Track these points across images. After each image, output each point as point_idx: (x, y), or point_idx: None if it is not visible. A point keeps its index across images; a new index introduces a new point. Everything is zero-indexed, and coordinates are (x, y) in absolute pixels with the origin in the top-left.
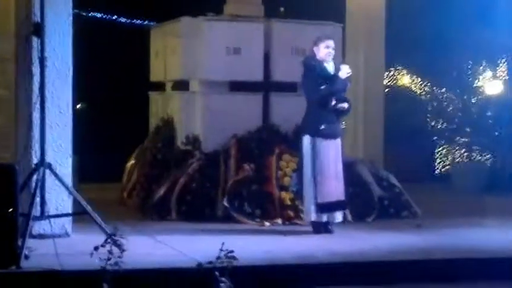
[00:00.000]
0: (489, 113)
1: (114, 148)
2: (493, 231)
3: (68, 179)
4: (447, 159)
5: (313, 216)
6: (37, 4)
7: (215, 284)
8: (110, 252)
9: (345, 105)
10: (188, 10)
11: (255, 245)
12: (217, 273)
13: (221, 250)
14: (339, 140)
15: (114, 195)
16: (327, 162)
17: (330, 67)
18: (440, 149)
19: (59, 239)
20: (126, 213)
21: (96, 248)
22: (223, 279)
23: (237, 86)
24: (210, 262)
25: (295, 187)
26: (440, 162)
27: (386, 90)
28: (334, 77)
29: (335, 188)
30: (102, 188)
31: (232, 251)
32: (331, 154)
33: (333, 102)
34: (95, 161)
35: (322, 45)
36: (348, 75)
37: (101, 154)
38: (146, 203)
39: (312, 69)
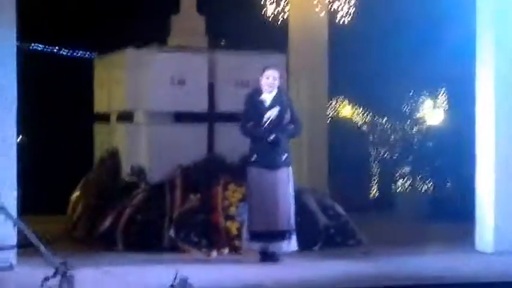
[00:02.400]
0: (430, 142)
1: (59, 180)
2: (435, 258)
3: (13, 211)
4: (390, 188)
5: (245, 244)
6: None
7: None
8: (61, 283)
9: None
10: (132, 41)
11: (202, 275)
12: None
13: (175, 278)
14: (280, 171)
15: (58, 228)
16: (260, 192)
17: (269, 98)
18: (383, 178)
19: (4, 272)
20: (72, 245)
21: (46, 279)
22: None
23: (181, 117)
24: None
25: (241, 217)
26: (383, 191)
27: (329, 120)
28: (261, 105)
29: (271, 218)
30: (47, 220)
31: (187, 278)
32: (265, 184)
33: (271, 138)
34: (39, 193)
35: (264, 76)
36: (271, 117)
37: (45, 186)
38: (92, 235)
39: (248, 100)
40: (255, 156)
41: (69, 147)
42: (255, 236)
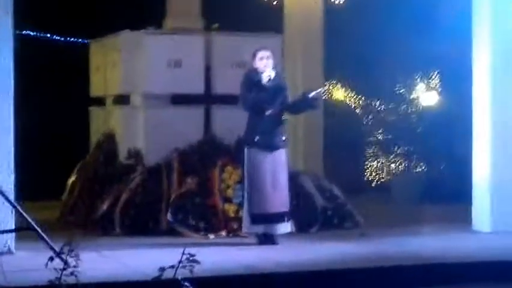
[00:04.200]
0: (424, 124)
1: (55, 165)
2: (432, 238)
3: (11, 196)
4: (384, 169)
5: (246, 227)
6: None
7: None
8: (65, 262)
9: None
10: (128, 24)
11: (201, 257)
12: (179, 277)
13: (183, 254)
14: (279, 152)
15: (55, 213)
16: (262, 174)
17: (266, 78)
18: (378, 159)
19: (3, 256)
20: (69, 229)
21: (51, 259)
22: (186, 283)
23: (178, 99)
24: (172, 266)
25: (238, 199)
26: (377, 172)
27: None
28: (259, 84)
29: (271, 200)
30: (43, 206)
31: (194, 255)
32: (266, 165)
33: (268, 112)
34: (35, 179)
35: (257, 58)
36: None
37: (41, 171)
38: (89, 219)
39: (246, 79)
40: (257, 137)
41: (65, 132)
42: (256, 218)
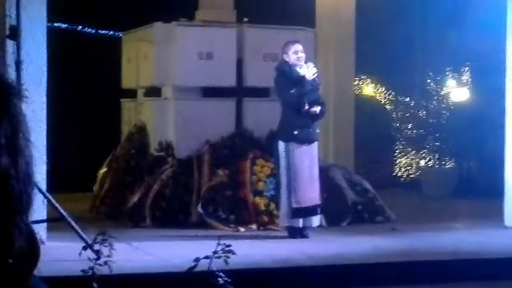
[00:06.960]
0: (455, 120)
1: (86, 157)
2: (462, 234)
3: (43, 186)
4: (415, 165)
5: (287, 221)
6: (12, 7)
7: (212, 280)
8: (98, 252)
9: (317, 109)
10: (160, 16)
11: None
12: (215, 268)
13: (218, 244)
14: (314, 145)
15: (85, 205)
16: (302, 168)
17: (303, 71)
18: (408, 155)
19: None
20: (100, 221)
21: (85, 248)
22: (221, 274)
23: (209, 92)
24: (207, 257)
25: (269, 192)
26: (408, 168)
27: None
28: (301, 78)
29: (310, 193)
30: (74, 197)
31: (230, 245)
32: (305, 159)
33: (306, 107)
34: (66, 170)
35: (290, 51)
36: (314, 74)
37: (73, 163)
38: (120, 210)
39: (284, 73)
40: (296, 131)
41: (96, 124)
42: (298, 212)
